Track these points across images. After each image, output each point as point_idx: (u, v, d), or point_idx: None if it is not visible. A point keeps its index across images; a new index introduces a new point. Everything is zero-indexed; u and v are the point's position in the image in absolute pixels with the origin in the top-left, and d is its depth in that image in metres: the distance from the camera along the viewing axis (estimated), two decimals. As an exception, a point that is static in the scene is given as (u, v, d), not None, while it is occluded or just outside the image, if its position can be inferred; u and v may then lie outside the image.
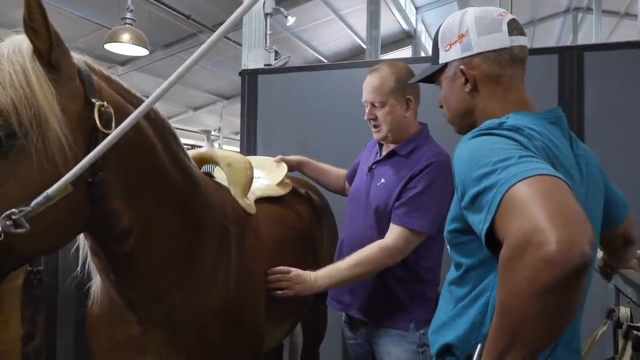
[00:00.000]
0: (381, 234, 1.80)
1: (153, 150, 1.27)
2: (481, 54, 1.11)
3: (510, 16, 1.13)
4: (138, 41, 6.39)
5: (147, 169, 1.25)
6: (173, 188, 1.35)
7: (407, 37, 13.62)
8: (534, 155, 0.87)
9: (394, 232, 1.75)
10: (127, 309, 1.38)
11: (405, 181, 1.79)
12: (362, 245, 1.78)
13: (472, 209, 0.89)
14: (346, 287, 1.91)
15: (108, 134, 1.01)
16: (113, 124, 1.10)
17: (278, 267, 1.74)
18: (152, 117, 1.30)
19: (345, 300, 1.94)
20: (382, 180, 1.86)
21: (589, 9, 14.36)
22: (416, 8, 13.45)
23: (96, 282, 1.47)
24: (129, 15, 6.57)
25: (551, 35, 17.36)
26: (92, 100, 1.08)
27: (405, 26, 12.86)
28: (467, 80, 1.13)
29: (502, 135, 0.94)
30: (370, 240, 1.79)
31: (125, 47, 6.52)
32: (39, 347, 1.87)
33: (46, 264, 1.93)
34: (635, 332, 1.19)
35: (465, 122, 1.18)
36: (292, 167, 2.25)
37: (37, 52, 1.01)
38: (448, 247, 1.13)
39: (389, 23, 12.11)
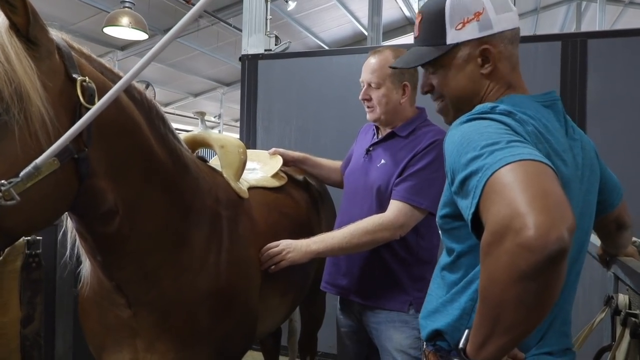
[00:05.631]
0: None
1: (137, 129, 1.26)
2: (500, 33, 1.05)
3: None
4: (137, 25, 6.34)
5: (131, 147, 1.24)
6: (160, 169, 1.34)
7: (409, 24, 13.50)
8: (522, 140, 0.85)
9: (395, 208, 1.74)
10: (115, 292, 1.37)
11: (407, 160, 1.78)
12: None
13: (460, 194, 0.87)
14: (342, 271, 1.90)
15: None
16: (96, 99, 1.10)
17: (268, 244, 1.74)
18: (137, 98, 1.30)
19: (342, 285, 1.92)
20: (382, 161, 1.85)
21: (593, -3, 14.22)
22: (418, -5, 13.32)
23: (86, 265, 1.47)
24: (128, -2, 6.52)
25: (555, 23, 17.22)
26: (74, 75, 1.08)
27: (407, 13, 12.73)
28: (485, 61, 1.05)
29: (493, 119, 0.91)
30: None
31: (124, 31, 6.47)
32: (37, 329, 1.87)
33: (44, 247, 1.92)
34: (634, 319, 1.19)
35: (468, 108, 1.06)
36: (287, 161, 2.23)
37: (15, 28, 0.99)
38: (440, 232, 1.12)
39: (391, 9, 11.99)
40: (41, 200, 1.02)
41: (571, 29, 16.41)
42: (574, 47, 2.94)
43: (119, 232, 1.26)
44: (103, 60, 1.26)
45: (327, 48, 13.05)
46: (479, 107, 0.98)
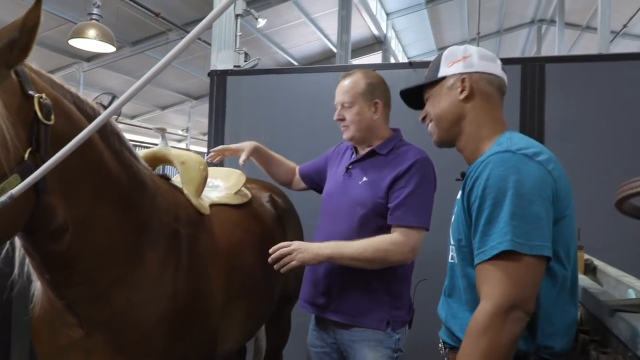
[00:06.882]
0: (363, 231, 1.80)
1: (90, 145, 1.24)
2: (480, 72, 1.33)
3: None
4: (104, 38, 6.26)
5: (82, 163, 1.22)
6: (114, 186, 1.33)
7: (378, 43, 13.76)
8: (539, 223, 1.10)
9: (403, 232, 1.76)
10: (67, 311, 1.34)
11: (391, 178, 1.81)
12: None
13: (477, 218, 1.16)
14: (320, 290, 1.90)
15: (49, 125, 1.08)
16: (52, 116, 1.11)
17: (278, 244, 1.75)
18: (90, 114, 1.29)
19: (320, 303, 1.91)
20: (364, 179, 1.88)
21: (552, 21, 14.83)
22: (387, 14, 13.61)
23: (37, 283, 1.43)
24: (95, 10, 6.44)
25: (517, 45, 17.85)
26: (30, 92, 1.08)
27: (375, 32, 12.99)
28: (464, 89, 1.32)
29: (547, 172, 1.15)
30: (353, 239, 1.78)
31: (91, 43, 6.37)
32: (-8, 350, 1.81)
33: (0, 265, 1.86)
34: (584, 335, 1.24)
35: (453, 130, 1.35)
36: (234, 152, 2.19)
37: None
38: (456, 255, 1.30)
39: (360, 28, 12.21)
40: (3, 218, 1.01)
41: (532, 50, 17.04)
42: (532, 70, 3.06)
43: (68, 250, 1.23)
44: (52, 75, 1.25)
45: (296, 64, 13.15)
46: (521, 146, 1.18)
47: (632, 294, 1.41)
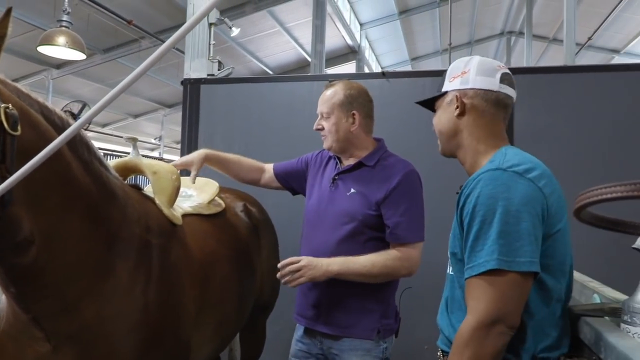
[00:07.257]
0: (351, 242, 1.82)
1: (57, 156, 1.22)
2: (474, 89, 1.35)
3: (505, 70, 1.38)
4: (74, 45, 6.15)
5: (49, 174, 1.20)
6: (82, 197, 1.30)
7: (352, 52, 13.89)
8: (528, 239, 1.13)
9: (404, 249, 1.79)
10: (33, 325, 1.31)
11: (383, 193, 1.82)
12: (333, 255, 1.79)
13: (467, 234, 1.19)
14: (310, 302, 1.90)
15: (15, 136, 1.05)
16: (19, 126, 1.08)
17: (287, 259, 1.75)
18: (58, 124, 1.27)
19: (309, 315, 1.90)
20: (352, 190, 1.88)
21: (521, 33, 15.23)
22: (361, 24, 13.76)
23: (2, 297, 1.40)
24: (65, 17, 6.32)
25: (487, 56, 18.11)
26: None
27: (349, 41, 13.11)
28: (457, 107, 1.36)
29: (537, 189, 1.18)
30: (343, 251, 1.79)
31: (60, 50, 6.25)
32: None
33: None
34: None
35: (451, 144, 1.41)
36: (182, 166, 2.09)
37: None
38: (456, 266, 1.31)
39: (334, 37, 12.30)
40: None
41: (502, 61, 17.38)
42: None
43: (35, 262, 1.20)
44: (18, 85, 1.22)
45: (271, 72, 13.16)
46: (513, 163, 1.21)
47: (597, 299, 1.45)
